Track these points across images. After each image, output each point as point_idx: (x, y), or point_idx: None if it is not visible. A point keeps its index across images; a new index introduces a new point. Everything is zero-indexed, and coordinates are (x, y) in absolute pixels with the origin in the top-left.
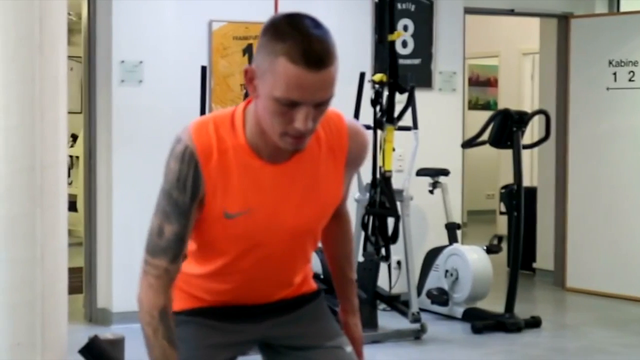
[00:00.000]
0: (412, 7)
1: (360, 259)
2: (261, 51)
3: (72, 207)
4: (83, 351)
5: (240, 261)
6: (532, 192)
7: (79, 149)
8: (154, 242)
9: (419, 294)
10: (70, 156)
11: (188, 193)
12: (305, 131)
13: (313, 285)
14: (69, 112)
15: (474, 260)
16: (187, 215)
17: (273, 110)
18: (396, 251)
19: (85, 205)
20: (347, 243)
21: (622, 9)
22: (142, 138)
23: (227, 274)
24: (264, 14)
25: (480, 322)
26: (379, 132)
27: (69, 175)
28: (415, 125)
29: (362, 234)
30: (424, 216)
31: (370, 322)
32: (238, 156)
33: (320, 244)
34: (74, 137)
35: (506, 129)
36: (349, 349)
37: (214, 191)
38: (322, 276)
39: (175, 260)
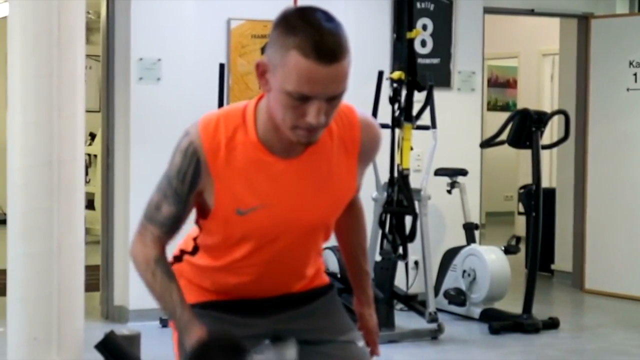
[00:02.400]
0: (432, 7)
1: (378, 257)
2: (272, 45)
3: (90, 205)
4: (99, 346)
5: (254, 256)
6: (550, 193)
7: (97, 148)
8: (151, 212)
9: (436, 294)
10: (89, 154)
11: (186, 186)
12: (317, 125)
13: (325, 278)
14: (88, 111)
15: (491, 261)
16: (185, 203)
17: (285, 104)
18: (414, 251)
19: (102, 203)
20: (360, 233)
21: None
22: (160, 136)
23: (240, 268)
24: None
25: (498, 322)
26: (396, 130)
27: (86, 174)
28: (433, 125)
29: (380, 232)
30: (442, 216)
31: (387, 321)
32: (249, 152)
33: (334, 238)
34: (92, 136)
35: (525, 129)
36: (361, 343)
37: (223, 187)
38: (339, 275)
39: (169, 234)
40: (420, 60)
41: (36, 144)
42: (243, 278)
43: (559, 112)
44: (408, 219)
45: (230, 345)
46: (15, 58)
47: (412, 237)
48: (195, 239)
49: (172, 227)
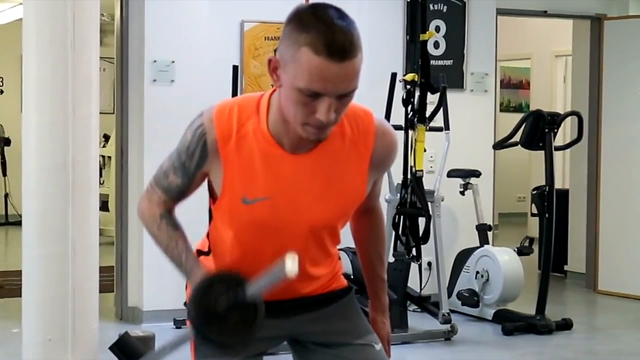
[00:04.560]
0: (444, 8)
1: (391, 259)
2: (285, 41)
3: (104, 206)
4: (113, 347)
5: (258, 252)
6: (564, 194)
7: (111, 149)
8: (160, 177)
9: (449, 295)
10: (102, 156)
11: (194, 163)
12: (327, 123)
13: (343, 281)
14: (102, 113)
15: (505, 262)
16: (191, 178)
17: (295, 101)
18: (427, 252)
19: (116, 205)
20: (379, 240)
21: None
22: (174, 137)
23: (246, 264)
24: None
25: (511, 323)
26: (410, 131)
27: (100, 175)
28: (446, 126)
29: (393, 234)
30: (455, 217)
31: (400, 322)
32: (258, 142)
33: (354, 241)
34: (106, 138)
35: (538, 130)
36: (378, 346)
37: (231, 173)
38: (352, 276)
39: (174, 201)
40: (433, 62)
41: (51, 146)
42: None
43: (572, 113)
44: (421, 221)
45: (231, 278)
46: (30, 60)
47: (425, 238)
48: (208, 237)
49: (177, 196)
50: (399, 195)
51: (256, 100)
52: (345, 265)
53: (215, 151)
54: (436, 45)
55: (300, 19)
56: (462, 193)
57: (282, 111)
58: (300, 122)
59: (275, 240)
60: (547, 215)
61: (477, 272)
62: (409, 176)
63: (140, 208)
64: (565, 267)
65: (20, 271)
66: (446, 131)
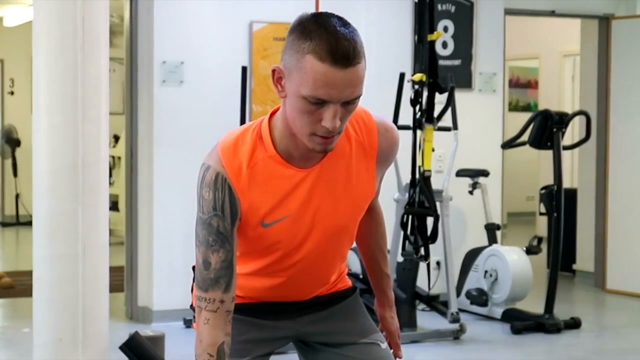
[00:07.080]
0: (452, 8)
1: (400, 258)
2: (288, 50)
3: (114, 206)
4: (123, 347)
5: (280, 263)
6: (572, 194)
7: (120, 150)
8: (203, 276)
9: (458, 294)
10: (112, 157)
11: (228, 218)
12: (333, 130)
13: (348, 282)
14: (112, 114)
15: (513, 261)
16: (231, 240)
17: (301, 110)
18: (435, 251)
19: (126, 205)
20: (380, 236)
21: None
22: (183, 138)
23: (267, 275)
24: None
25: (520, 322)
26: (418, 131)
27: (110, 176)
28: (455, 126)
29: (402, 233)
30: (464, 217)
31: (409, 322)
32: (269, 167)
33: (355, 239)
34: (116, 138)
35: (546, 129)
36: (384, 345)
37: (247, 205)
38: (361, 276)
39: (228, 289)
40: (441, 62)
41: (61, 147)
42: (268, 284)
43: (580, 112)
44: (430, 220)
45: None
46: (40, 61)
47: (433, 238)
48: None
49: (229, 276)
50: (407, 195)
51: (256, 129)
52: (354, 265)
53: (234, 190)
54: (444, 45)
55: (304, 28)
56: (471, 192)
57: (288, 124)
58: (307, 132)
59: (298, 252)
60: (555, 215)
61: (486, 272)
62: (417, 176)
63: (199, 337)
64: (574, 266)
65: (31, 271)
66: (454, 131)
